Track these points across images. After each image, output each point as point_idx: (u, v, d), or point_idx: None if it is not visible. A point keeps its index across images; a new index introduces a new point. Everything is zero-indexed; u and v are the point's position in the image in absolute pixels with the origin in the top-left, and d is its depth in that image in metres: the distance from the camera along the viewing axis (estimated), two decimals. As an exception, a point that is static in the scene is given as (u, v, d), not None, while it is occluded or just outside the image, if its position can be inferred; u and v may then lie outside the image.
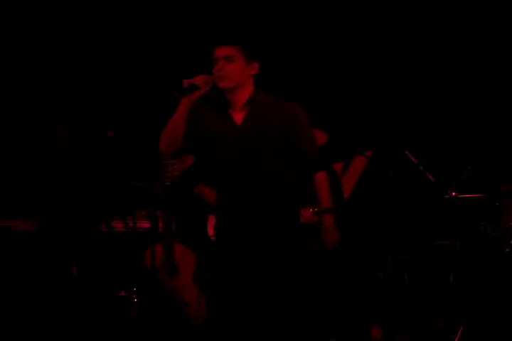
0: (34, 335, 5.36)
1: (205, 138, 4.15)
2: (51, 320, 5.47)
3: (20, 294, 5.63)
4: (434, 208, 5.50)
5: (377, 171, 5.81)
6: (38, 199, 5.89)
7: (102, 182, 5.92)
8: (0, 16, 6.29)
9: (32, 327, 5.41)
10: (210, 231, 5.28)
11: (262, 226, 4.08)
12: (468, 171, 5.39)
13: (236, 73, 4.06)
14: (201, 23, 6.35)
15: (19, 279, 5.68)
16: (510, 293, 5.11)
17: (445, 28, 6.19)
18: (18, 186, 5.95)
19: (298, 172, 4.19)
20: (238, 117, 4.14)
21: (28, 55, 6.43)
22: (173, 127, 4.09)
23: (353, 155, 5.96)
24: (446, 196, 5.24)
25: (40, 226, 5.72)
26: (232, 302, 4.07)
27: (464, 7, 6.14)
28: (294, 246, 4.12)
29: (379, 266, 5.48)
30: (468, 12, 6.14)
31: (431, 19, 6.21)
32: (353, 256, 5.48)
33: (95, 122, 6.28)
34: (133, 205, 5.85)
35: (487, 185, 5.44)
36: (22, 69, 6.43)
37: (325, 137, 5.49)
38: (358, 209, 5.59)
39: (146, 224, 5.86)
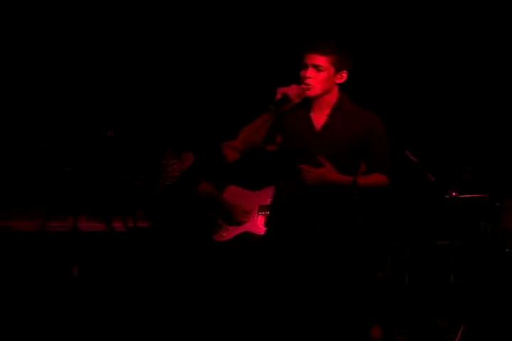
0: (34, 335, 5.36)
1: (283, 138, 4.19)
2: (51, 320, 5.47)
3: (20, 294, 5.63)
4: (434, 208, 5.50)
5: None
6: (38, 199, 5.90)
7: (102, 182, 5.92)
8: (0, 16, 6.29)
9: (32, 327, 5.41)
10: (210, 230, 5.28)
11: (320, 229, 4.11)
12: (468, 171, 5.39)
13: (323, 83, 4.09)
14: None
15: (19, 279, 5.68)
16: (510, 293, 5.11)
17: (445, 28, 6.19)
18: (19, 186, 5.95)
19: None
20: (318, 122, 4.16)
21: (29, 55, 6.43)
22: (256, 131, 4.13)
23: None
24: (446, 196, 5.25)
25: (41, 227, 5.72)
26: (274, 299, 4.10)
27: (464, 7, 6.13)
28: (347, 250, 4.16)
29: (379, 266, 5.47)
30: (468, 12, 6.13)
31: (431, 19, 6.20)
32: (353, 256, 5.47)
33: (95, 122, 6.28)
34: (133, 205, 5.86)
35: (487, 185, 5.44)
36: (22, 69, 6.42)
37: None
38: (358, 209, 5.59)
39: (146, 224, 5.87)
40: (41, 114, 6.35)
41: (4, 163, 6.03)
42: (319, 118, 4.16)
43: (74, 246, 5.65)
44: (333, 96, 4.16)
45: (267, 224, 4.45)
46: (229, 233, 5.17)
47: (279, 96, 4.05)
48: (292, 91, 4.05)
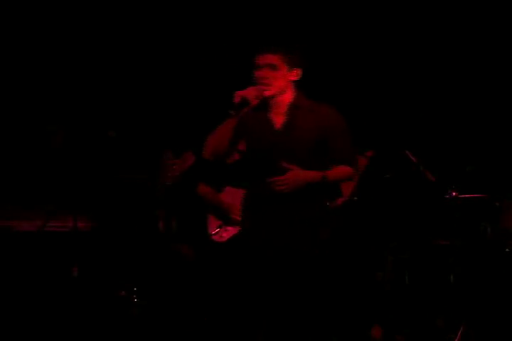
0: (34, 335, 5.36)
1: (245, 141, 4.22)
2: (51, 320, 5.48)
3: (20, 294, 5.63)
4: (434, 208, 5.50)
5: (377, 171, 5.80)
6: (38, 199, 5.90)
7: (103, 182, 5.93)
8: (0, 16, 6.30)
9: (32, 327, 5.41)
10: (210, 231, 5.29)
11: (288, 225, 4.13)
12: (468, 171, 5.39)
13: (279, 81, 4.14)
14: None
15: (19, 279, 5.69)
16: (510, 293, 5.10)
17: (445, 28, 6.18)
18: (19, 186, 5.96)
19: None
20: (278, 122, 4.20)
21: (29, 55, 6.44)
22: (220, 140, 4.17)
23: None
24: (446, 196, 5.25)
25: (41, 227, 5.72)
26: (245, 293, 4.13)
27: (464, 7, 6.13)
28: (315, 245, 4.14)
29: (379, 266, 5.47)
30: (468, 12, 6.13)
31: (431, 19, 6.20)
32: (353, 256, 5.48)
33: (96, 122, 6.29)
34: (133, 205, 5.86)
35: (487, 185, 5.44)
36: (23, 69, 6.43)
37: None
38: (358, 210, 5.59)
39: (146, 224, 5.87)
40: (41, 114, 6.36)
41: (4, 163, 6.04)
42: (278, 117, 4.20)
43: (74, 246, 5.65)
44: (289, 95, 4.20)
45: (240, 225, 4.45)
46: (228, 233, 5.17)
47: (237, 99, 4.07)
48: (250, 93, 4.09)
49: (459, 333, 4.97)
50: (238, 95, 4.08)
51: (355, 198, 5.48)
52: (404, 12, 6.25)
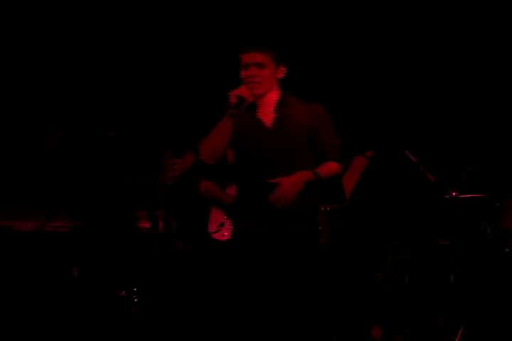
0: (34, 335, 5.36)
1: (236, 141, 4.20)
2: (51, 320, 5.47)
3: (20, 294, 5.63)
4: (434, 208, 5.50)
5: (377, 171, 5.81)
6: (38, 199, 5.89)
7: (103, 182, 5.92)
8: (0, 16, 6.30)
9: (32, 327, 5.41)
10: (211, 229, 5.28)
11: (282, 221, 4.13)
12: (468, 171, 5.39)
13: (269, 79, 4.15)
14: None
15: (19, 279, 5.68)
16: (510, 293, 5.11)
17: (445, 28, 6.18)
18: (19, 186, 5.95)
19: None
20: (268, 120, 4.20)
21: (30, 56, 6.44)
22: (220, 140, 4.15)
23: (353, 155, 5.95)
24: (447, 196, 5.25)
25: (41, 227, 5.72)
26: (245, 294, 4.13)
27: (464, 7, 6.13)
28: (310, 242, 4.16)
29: (379, 266, 5.47)
30: (468, 12, 6.13)
31: (430, 19, 6.20)
32: (353, 256, 5.48)
33: (96, 122, 6.28)
34: (133, 205, 5.86)
35: (487, 185, 5.44)
36: (23, 69, 6.43)
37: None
38: (359, 210, 5.59)
39: (146, 224, 5.87)
40: (41, 114, 6.36)
41: (4, 163, 6.04)
42: (267, 116, 4.20)
43: (74, 246, 5.65)
44: (276, 93, 4.21)
45: (233, 225, 4.46)
46: (230, 232, 5.16)
47: (234, 99, 4.07)
48: (245, 91, 4.09)
49: (459, 333, 4.97)
50: (233, 95, 4.08)
51: (355, 197, 5.48)
52: (403, 11, 6.25)
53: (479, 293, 5.16)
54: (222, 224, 5.22)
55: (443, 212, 5.37)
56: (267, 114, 4.21)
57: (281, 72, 4.21)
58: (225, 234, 5.18)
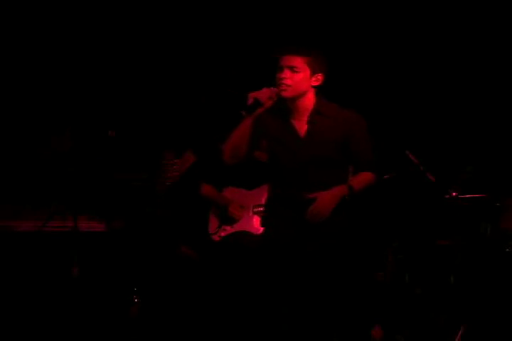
0: (34, 335, 5.36)
1: (268, 146, 4.23)
2: (51, 320, 5.48)
3: (20, 294, 5.64)
4: (434, 208, 5.50)
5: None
6: (38, 199, 5.90)
7: (103, 182, 5.93)
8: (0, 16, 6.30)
9: (32, 327, 5.41)
10: (211, 230, 5.29)
11: (312, 230, 4.14)
12: (468, 171, 5.38)
13: (299, 84, 4.11)
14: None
15: (19, 279, 5.69)
16: (510, 293, 5.10)
17: (445, 28, 6.18)
18: (19, 186, 5.96)
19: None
20: (301, 128, 4.19)
21: (30, 56, 6.44)
22: (238, 141, 4.15)
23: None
24: (447, 196, 5.24)
25: (41, 227, 5.72)
26: (255, 294, 4.21)
27: (463, 7, 6.13)
28: (340, 250, 4.22)
29: (379, 266, 5.47)
30: (468, 12, 6.13)
31: (431, 19, 6.20)
32: (353, 256, 5.47)
33: (96, 122, 6.29)
34: (133, 205, 5.86)
35: (487, 185, 5.43)
36: (23, 70, 6.43)
37: None
38: (359, 209, 5.59)
39: (146, 224, 5.87)
40: (43, 115, 6.37)
41: (4, 163, 6.04)
42: (301, 124, 4.18)
43: (74, 246, 5.65)
44: (311, 100, 4.18)
45: (264, 225, 4.47)
46: (226, 233, 5.18)
47: (250, 101, 4.08)
48: (263, 94, 4.08)
49: (459, 333, 4.97)
50: (251, 96, 4.08)
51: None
52: (402, 12, 6.25)
53: (479, 293, 5.16)
54: (219, 226, 5.23)
55: (443, 212, 5.37)
56: (301, 122, 4.18)
57: (318, 80, 4.15)
58: (221, 234, 5.20)
